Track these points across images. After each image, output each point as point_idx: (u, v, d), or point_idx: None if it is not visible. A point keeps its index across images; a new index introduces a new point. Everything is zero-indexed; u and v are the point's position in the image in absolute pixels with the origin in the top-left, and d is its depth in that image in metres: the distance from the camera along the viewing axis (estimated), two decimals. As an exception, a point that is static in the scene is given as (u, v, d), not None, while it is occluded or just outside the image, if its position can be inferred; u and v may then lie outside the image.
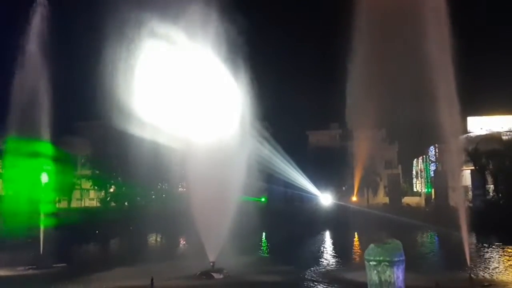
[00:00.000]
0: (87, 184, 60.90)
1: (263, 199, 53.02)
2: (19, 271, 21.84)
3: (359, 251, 27.04)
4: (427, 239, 35.17)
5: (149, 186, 51.40)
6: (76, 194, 63.71)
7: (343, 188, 62.65)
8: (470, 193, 48.67)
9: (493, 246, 27.31)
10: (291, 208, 50.81)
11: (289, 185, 51.34)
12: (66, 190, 55.21)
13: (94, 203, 63.48)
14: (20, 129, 27.45)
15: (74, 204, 61.58)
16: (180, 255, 28.17)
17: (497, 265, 21.38)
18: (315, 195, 53.44)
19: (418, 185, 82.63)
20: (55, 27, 28.30)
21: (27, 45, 27.14)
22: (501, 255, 24.50)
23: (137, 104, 22.85)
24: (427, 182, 75.07)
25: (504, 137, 59.42)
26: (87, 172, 58.99)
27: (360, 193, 60.79)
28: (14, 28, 28.16)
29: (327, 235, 39.65)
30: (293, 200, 54.80)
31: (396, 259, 8.09)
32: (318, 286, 17.72)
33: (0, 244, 27.45)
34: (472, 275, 17.56)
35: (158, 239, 39.59)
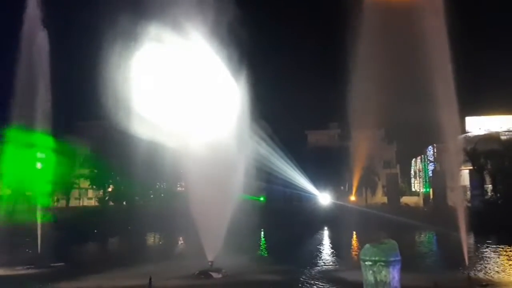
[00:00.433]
0: (85, 184, 60.85)
1: (262, 199, 53.01)
2: (17, 270, 21.77)
3: (357, 250, 27.06)
4: (425, 239, 35.20)
5: (147, 185, 51.38)
6: (75, 193, 63.68)
7: (342, 187, 62.73)
8: (469, 193, 48.75)
9: (492, 246, 27.34)
10: (290, 207, 50.84)
11: (288, 185, 51.35)
12: (64, 188, 55.31)
13: (93, 203, 63.47)
14: (19, 127, 27.46)
15: (73, 203, 61.52)
16: (178, 254, 28.16)
17: (495, 265, 21.38)
18: (314, 194, 53.46)
19: (417, 185, 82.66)
20: (54, 26, 28.31)
21: (26, 44, 27.14)
22: (499, 255, 24.52)
23: (136, 103, 22.79)
24: (426, 182, 75.12)
25: (502, 137, 59.49)
26: (86, 171, 58.93)
27: (359, 192, 60.84)
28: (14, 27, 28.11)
29: (325, 234, 39.68)
30: (292, 200, 54.83)
31: (391, 259, 8.07)
32: (317, 286, 17.73)
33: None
34: (470, 275, 17.58)
35: (157, 238, 39.57)
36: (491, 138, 57.48)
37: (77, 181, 60.67)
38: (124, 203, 53.92)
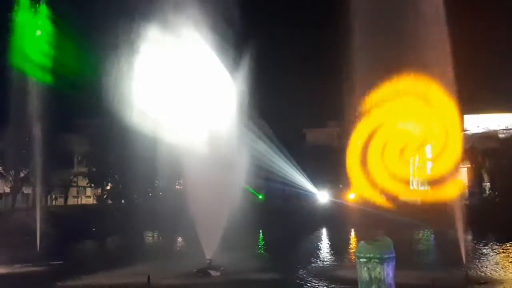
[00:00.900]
0: (83, 182, 60.78)
1: (260, 197, 53.02)
2: (16, 268, 21.76)
3: (355, 248, 27.08)
4: (423, 237, 35.26)
5: (145, 183, 51.31)
6: (73, 191, 63.64)
7: (340, 186, 62.72)
8: (467, 191, 48.79)
9: (489, 244, 27.39)
10: (289, 205, 50.85)
11: (287, 183, 51.33)
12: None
13: (91, 201, 63.39)
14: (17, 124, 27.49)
15: (71, 201, 61.47)
16: (177, 252, 28.21)
17: (493, 263, 21.45)
18: (312, 193, 53.47)
19: (415, 183, 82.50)
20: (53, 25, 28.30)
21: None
22: (497, 253, 24.58)
23: (134, 101, 22.78)
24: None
25: (500, 135, 59.56)
26: (84, 169, 58.85)
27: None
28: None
29: (324, 232, 39.73)
30: (291, 198, 54.80)
31: (386, 256, 8.12)
32: (315, 283, 17.77)
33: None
34: (468, 273, 17.61)
35: (155, 236, 39.59)
36: (490, 136, 57.54)
37: (75, 179, 60.64)
38: (123, 201, 53.86)
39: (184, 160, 22.31)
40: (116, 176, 54.51)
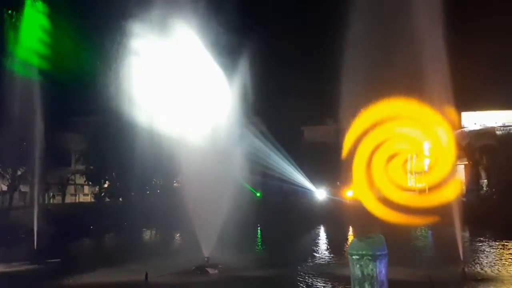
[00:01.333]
0: (81, 180, 60.74)
1: (258, 194, 53.03)
2: (13, 266, 21.74)
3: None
4: (420, 234, 35.33)
5: (143, 181, 51.31)
6: (70, 189, 63.56)
7: (338, 183, 62.72)
8: (464, 188, 48.88)
9: (487, 241, 27.48)
10: (287, 202, 50.88)
11: (284, 180, 51.36)
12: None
13: (89, 199, 63.34)
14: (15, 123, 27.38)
15: (68, 199, 61.40)
16: (174, 250, 28.20)
17: (490, 260, 21.51)
18: (310, 190, 53.51)
19: (413, 180, 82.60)
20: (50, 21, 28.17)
21: None
22: (494, 250, 24.66)
23: (131, 99, 22.75)
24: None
25: (498, 132, 59.68)
26: (81, 167, 58.79)
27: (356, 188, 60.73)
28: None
29: (321, 229, 39.76)
30: (289, 195, 54.84)
31: (378, 253, 8.13)
32: (312, 280, 17.81)
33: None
34: (465, 270, 17.66)
35: (153, 234, 39.59)
36: (487, 133, 57.61)
37: (72, 177, 60.56)
38: (120, 199, 53.84)
39: (181, 158, 22.31)
40: (113, 174, 54.49)
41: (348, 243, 29.25)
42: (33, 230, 25.17)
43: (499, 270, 18.91)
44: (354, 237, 32.45)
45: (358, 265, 8.15)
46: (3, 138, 29.25)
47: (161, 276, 18.15)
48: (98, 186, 56.92)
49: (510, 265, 19.99)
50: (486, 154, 50.37)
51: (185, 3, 21.81)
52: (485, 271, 18.59)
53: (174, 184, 49.99)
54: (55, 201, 59.01)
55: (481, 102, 63.83)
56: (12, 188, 49.48)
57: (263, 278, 18.69)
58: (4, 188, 52.18)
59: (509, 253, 23.10)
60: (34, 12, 27.86)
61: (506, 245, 25.38)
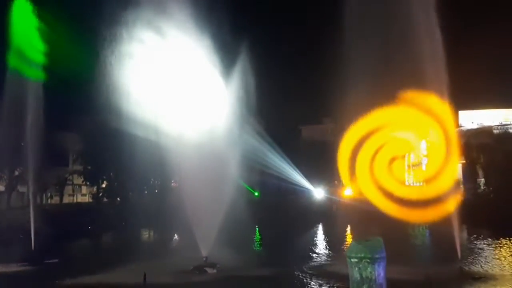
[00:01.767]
0: (79, 180, 60.63)
1: (256, 194, 53.04)
2: (11, 267, 21.68)
3: (349, 243, 27.14)
4: (418, 232, 35.40)
5: (141, 181, 51.26)
6: (68, 190, 63.42)
7: (335, 182, 62.73)
8: (461, 186, 48.97)
9: (484, 239, 27.56)
10: (284, 201, 50.89)
11: (282, 180, 51.36)
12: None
13: (86, 199, 63.26)
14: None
15: (66, 200, 61.30)
16: (173, 250, 28.16)
17: (488, 258, 21.57)
18: (308, 189, 53.52)
19: (410, 179, 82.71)
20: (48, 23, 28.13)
21: None
22: (491, 248, 24.73)
23: (129, 99, 22.72)
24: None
25: (495, 131, 59.86)
26: (79, 167, 58.68)
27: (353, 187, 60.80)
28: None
29: (319, 228, 39.81)
30: (287, 194, 54.84)
31: (377, 256, 8.18)
32: (310, 280, 17.84)
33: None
34: (463, 268, 17.72)
35: (151, 234, 39.56)
36: (484, 132, 57.82)
37: (70, 177, 60.45)
38: (118, 199, 53.78)
39: (179, 157, 22.29)
40: (111, 174, 54.41)
41: (346, 242, 29.31)
42: (30, 230, 25.10)
43: (497, 268, 18.98)
44: (351, 236, 32.56)
45: (356, 268, 8.18)
46: (1, 138, 29.17)
47: (159, 277, 18.10)
48: (96, 186, 56.85)
49: (507, 263, 20.06)
50: (483, 152, 50.52)
51: (185, 3, 21.80)
52: (483, 269, 18.65)
53: (172, 184, 49.93)
54: (53, 201, 58.90)
55: (478, 101, 64.00)
56: (10, 188, 49.35)
57: (261, 277, 18.70)
58: (2, 188, 52.05)
59: (507, 251, 23.20)
60: (32, 11, 27.81)
61: (504, 243, 25.47)
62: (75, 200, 64.60)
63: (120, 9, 21.57)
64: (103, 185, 56.74)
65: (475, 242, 26.61)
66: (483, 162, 50.40)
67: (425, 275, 15.87)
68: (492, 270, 18.60)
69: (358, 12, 23.09)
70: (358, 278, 8.13)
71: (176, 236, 33.22)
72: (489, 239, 27.52)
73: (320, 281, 17.56)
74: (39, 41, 27.44)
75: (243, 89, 24.51)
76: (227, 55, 23.27)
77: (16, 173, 47.28)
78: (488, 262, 20.49)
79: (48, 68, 27.74)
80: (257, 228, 36.86)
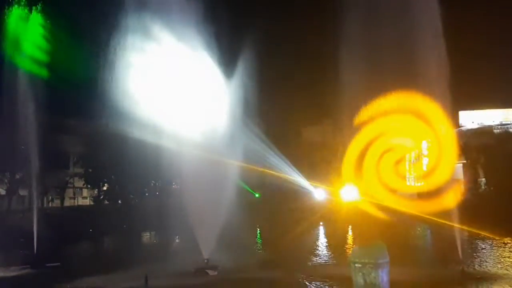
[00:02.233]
0: (80, 183, 60.60)
1: (257, 195, 53.04)
2: (13, 271, 21.70)
3: (352, 245, 27.16)
4: (419, 233, 35.39)
5: (142, 183, 51.25)
6: (69, 192, 63.41)
7: (336, 182, 62.62)
8: (462, 186, 48.95)
9: (486, 239, 27.50)
10: (285, 203, 50.88)
11: (283, 181, 51.34)
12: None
13: (87, 202, 63.24)
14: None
15: (67, 203, 61.29)
16: (174, 252, 28.14)
17: (489, 259, 21.55)
18: (309, 190, 53.51)
19: (411, 179, 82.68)
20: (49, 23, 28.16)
21: None
22: (493, 248, 24.70)
23: (130, 102, 22.73)
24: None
25: (495, 131, 59.89)
26: (80, 170, 58.66)
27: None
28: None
29: (320, 229, 39.78)
30: (288, 195, 54.82)
31: (380, 261, 8.17)
32: (312, 282, 17.81)
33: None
34: (464, 268, 17.70)
35: (152, 236, 39.54)
36: (484, 132, 57.87)
37: (71, 180, 60.43)
38: (119, 201, 53.77)
39: (180, 159, 22.29)
40: (112, 176, 54.38)
41: (348, 243, 29.30)
42: (32, 234, 25.10)
43: (498, 268, 18.96)
44: (353, 237, 32.53)
45: (360, 273, 8.17)
46: (1, 142, 29.19)
47: (161, 279, 18.10)
48: (97, 189, 56.82)
49: (509, 263, 20.03)
50: (484, 152, 50.56)
51: (185, 2, 21.81)
52: (484, 270, 18.62)
53: (173, 186, 49.91)
54: (54, 205, 58.84)
55: (478, 101, 64.07)
56: (11, 191, 49.34)
57: (262, 279, 18.67)
58: (3, 192, 52.03)
59: (508, 252, 23.17)
60: (32, 14, 27.85)
61: (505, 243, 25.43)
62: (76, 203, 64.58)
63: (120, 11, 21.60)
64: (104, 188, 56.73)
65: (476, 242, 26.56)
66: (484, 162, 50.41)
67: (426, 274, 15.79)
68: (494, 270, 18.57)
69: (359, 12, 23.10)
70: (362, 283, 8.11)
71: (177, 238, 33.22)
72: (491, 239, 27.46)
73: (322, 284, 17.54)
74: (40, 42, 27.49)
75: (243, 91, 24.49)
76: (226, 56, 23.27)
77: (17, 176, 47.28)
78: (489, 261, 20.47)
79: (50, 71, 27.78)
80: (258, 230, 36.84)
